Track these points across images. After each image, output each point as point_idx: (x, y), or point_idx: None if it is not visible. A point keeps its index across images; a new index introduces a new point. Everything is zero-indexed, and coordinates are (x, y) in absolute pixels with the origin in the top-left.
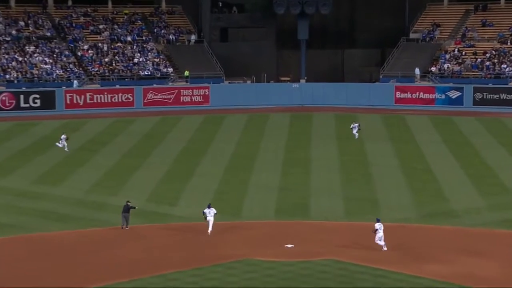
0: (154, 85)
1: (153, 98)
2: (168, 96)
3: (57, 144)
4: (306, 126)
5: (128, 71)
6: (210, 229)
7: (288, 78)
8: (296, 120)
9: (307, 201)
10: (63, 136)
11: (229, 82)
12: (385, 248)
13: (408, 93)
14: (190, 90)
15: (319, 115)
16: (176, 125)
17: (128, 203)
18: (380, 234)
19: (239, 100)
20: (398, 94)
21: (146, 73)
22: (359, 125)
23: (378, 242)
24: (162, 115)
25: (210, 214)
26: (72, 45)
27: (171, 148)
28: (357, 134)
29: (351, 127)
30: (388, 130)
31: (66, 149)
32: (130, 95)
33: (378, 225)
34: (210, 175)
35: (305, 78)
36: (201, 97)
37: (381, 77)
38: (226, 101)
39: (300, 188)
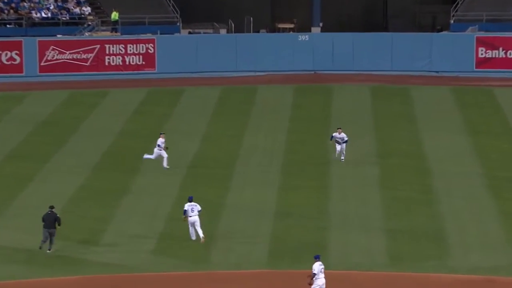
0: (59, 36)
1: (56, 59)
2: (83, 56)
3: (147, 156)
4: (321, 107)
5: (13, 11)
6: (201, 234)
7: (291, 26)
8: (305, 98)
9: (324, 236)
10: (162, 140)
11: (189, 32)
12: None
13: (500, 49)
14: (122, 46)
15: (344, 89)
16: (98, 105)
17: (53, 210)
18: (321, 281)
19: (206, 63)
20: (481, 52)
21: (43, 16)
22: (347, 140)
23: None
24: (72, 88)
25: (193, 211)
26: None
27: (88, 145)
28: (342, 155)
29: (331, 136)
30: (464, 114)
31: (164, 165)
32: (16, 54)
33: (318, 266)
34: (156, 191)
35: (321, 24)
36: (140, 57)
37: (452, 22)
38: (184, 65)
39: (312, 213)
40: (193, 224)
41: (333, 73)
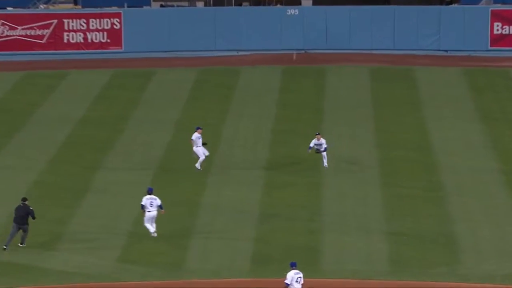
0: (9, 8)
1: (6, 36)
2: (38, 32)
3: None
4: (313, 92)
5: None
6: (152, 229)
7: None
8: (295, 81)
9: (317, 239)
10: (197, 135)
11: (161, 5)
12: None
13: None
14: (84, 21)
15: (340, 71)
16: (55, 89)
17: (26, 203)
18: None
19: (181, 41)
20: (497, 28)
21: None
22: (326, 146)
23: None
24: (25, 69)
25: (153, 206)
26: None
27: (44, 134)
28: (325, 161)
29: (310, 146)
30: (477, 99)
31: (198, 166)
32: None
33: (293, 275)
34: (121, 189)
35: None
36: (104, 34)
37: None
38: (155, 43)
39: (302, 214)
40: (150, 220)
41: (327, 53)
